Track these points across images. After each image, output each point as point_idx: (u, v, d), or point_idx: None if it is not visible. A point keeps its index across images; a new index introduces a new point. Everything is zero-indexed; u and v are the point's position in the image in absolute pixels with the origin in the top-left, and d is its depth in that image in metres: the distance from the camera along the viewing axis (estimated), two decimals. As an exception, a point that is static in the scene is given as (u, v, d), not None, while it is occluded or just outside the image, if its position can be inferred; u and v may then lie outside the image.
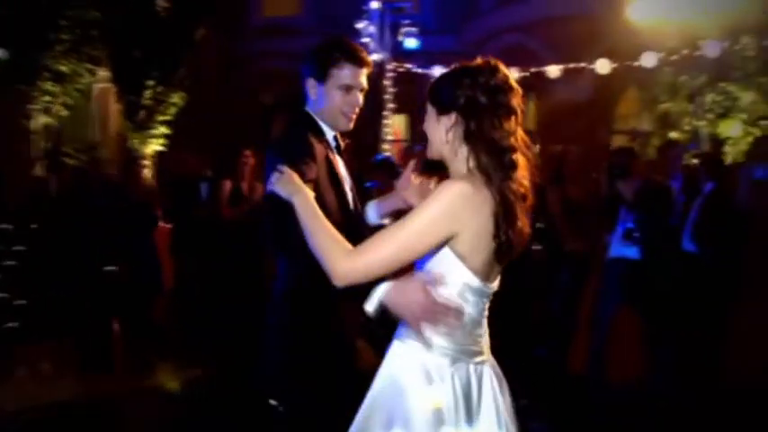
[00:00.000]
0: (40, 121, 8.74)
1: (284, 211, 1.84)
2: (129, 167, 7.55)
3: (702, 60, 7.60)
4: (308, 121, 2.29)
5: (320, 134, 2.28)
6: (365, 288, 1.73)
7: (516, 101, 1.79)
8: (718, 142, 7.87)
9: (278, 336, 2.24)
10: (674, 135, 8.23)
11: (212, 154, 7.93)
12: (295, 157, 2.05)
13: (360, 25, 9.18)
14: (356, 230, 2.08)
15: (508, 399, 1.89)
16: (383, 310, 1.75)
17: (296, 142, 2.15)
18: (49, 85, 8.68)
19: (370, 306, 1.75)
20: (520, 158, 1.79)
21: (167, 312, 6.63)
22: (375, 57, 8.49)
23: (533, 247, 4.85)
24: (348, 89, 2.26)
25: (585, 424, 4.33)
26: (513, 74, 1.85)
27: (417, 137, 12.81)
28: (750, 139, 7.66)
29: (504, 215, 1.72)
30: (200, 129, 10.41)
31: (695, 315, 4.62)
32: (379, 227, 2.37)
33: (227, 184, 6.52)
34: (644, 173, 4.92)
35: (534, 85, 9.46)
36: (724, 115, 8.02)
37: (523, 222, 1.79)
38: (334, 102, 2.27)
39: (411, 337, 1.83)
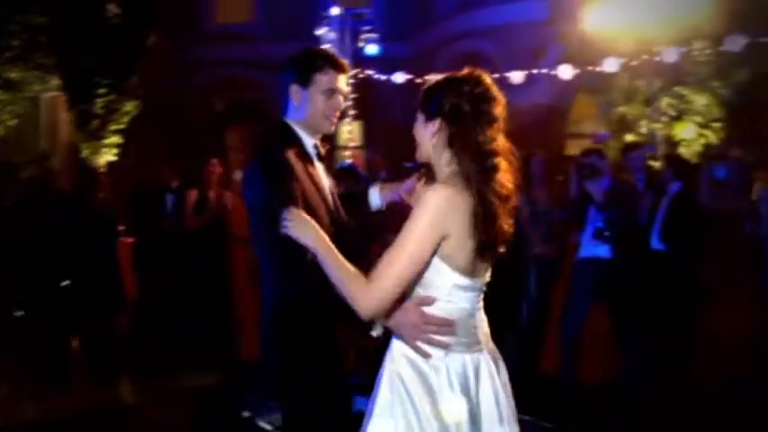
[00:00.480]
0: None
1: (297, 251, 1.99)
2: (88, 179, 7.32)
3: (658, 65, 7.84)
4: (285, 134, 2.36)
5: (299, 145, 2.35)
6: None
7: (498, 110, 1.91)
8: (673, 144, 8.13)
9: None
10: (630, 138, 8.43)
11: (168, 162, 7.76)
12: (278, 179, 2.15)
13: (320, 32, 9.14)
14: (341, 233, 2.23)
15: (505, 376, 1.97)
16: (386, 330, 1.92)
17: (277, 163, 2.21)
18: (-3, 93, 8.44)
19: (376, 331, 1.93)
20: (502, 162, 1.90)
21: (130, 326, 6.50)
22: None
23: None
24: (331, 93, 2.35)
25: (557, 423, 4.34)
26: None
27: (372, 143, 12.84)
28: (703, 141, 7.93)
29: (483, 215, 1.81)
30: (153, 137, 10.19)
31: (664, 315, 4.70)
32: (379, 211, 2.63)
33: (193, 194, 6.49)
34: (612, 173, 4.98)
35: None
36: (678, 118, 8.33)
37: (506, 222, 1.88)
38: (318, 106, 2.34)
39: None
